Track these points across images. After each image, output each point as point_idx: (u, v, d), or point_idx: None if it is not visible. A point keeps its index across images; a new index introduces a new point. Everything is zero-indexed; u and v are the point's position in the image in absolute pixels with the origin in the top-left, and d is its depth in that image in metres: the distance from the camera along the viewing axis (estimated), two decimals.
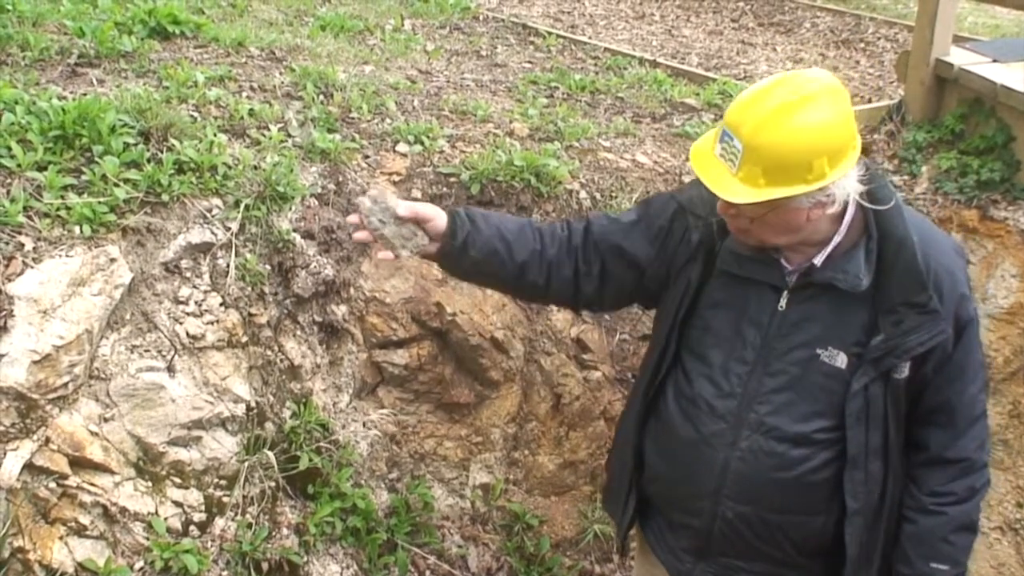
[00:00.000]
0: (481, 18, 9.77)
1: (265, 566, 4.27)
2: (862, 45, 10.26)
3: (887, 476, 3.52)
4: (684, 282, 3.66)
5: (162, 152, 4.56)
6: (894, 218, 3.33)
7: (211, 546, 4.18)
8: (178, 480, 4.16)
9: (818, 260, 3.36)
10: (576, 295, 3.84)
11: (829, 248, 3.35)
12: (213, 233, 4.45)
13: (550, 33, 9.30)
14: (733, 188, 3.15)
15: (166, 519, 4.06)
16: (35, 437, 3.73)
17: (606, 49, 8.97)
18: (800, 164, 3.10)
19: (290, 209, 4.79)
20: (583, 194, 5.61)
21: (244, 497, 4.34)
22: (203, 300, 4.32)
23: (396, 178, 5.24)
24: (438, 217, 3.55)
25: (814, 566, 3.70)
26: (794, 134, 3.07)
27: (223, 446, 4.28)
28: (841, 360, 3.41)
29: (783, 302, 3.48)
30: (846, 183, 3.18)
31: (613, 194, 5.67)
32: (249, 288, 4.50)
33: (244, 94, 5.63)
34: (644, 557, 4.21)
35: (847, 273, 3.33)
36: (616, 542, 5.31)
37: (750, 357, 3.55)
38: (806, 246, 3.37)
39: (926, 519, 3.51)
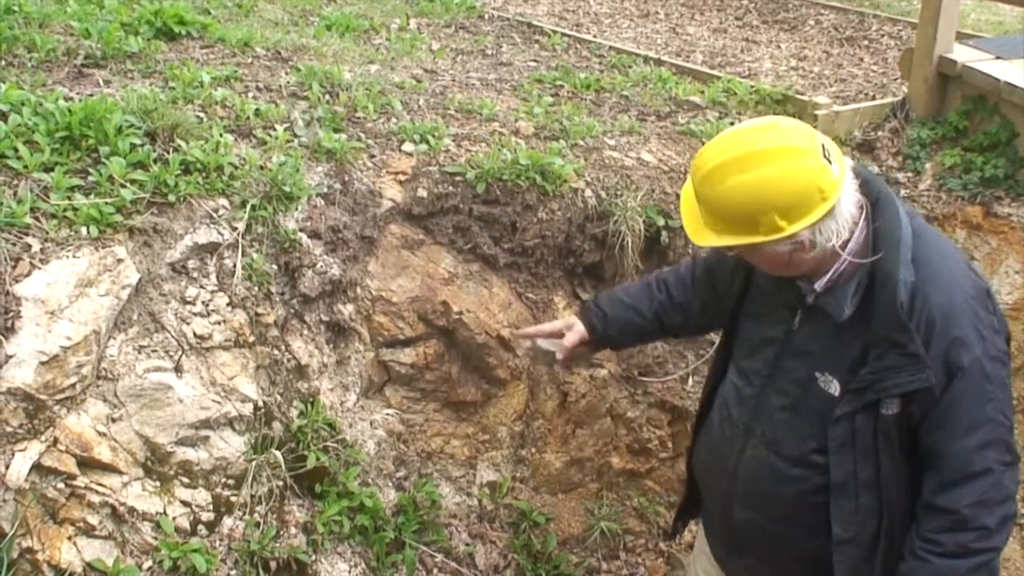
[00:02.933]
0: (486, 17, 9.78)
1: (273, 565, 4.28)
2: (866, 42, 10.26)
3: (882, 510, 3.51)
4: (734, 295, 3.86)
5: (168, 152, 4.57)
6: (888, 252, 3.30)
7: (219, 545, 4.19)
8: (186, 480, 4.17)
9: (819, 285, 3.39)
10: (707, 323, 4.37)
11: (828, 275, 3.37)
12: (220, 233, 4.46)
13: (555, 32, 9.31)
14: (700, 231, 3.35)
15: (174, 519, 4.07)
16: (43, 438, 3.73)
17: (611, 47, 8.97)
18: (744, 218, 3.19)
19: (296, 209, 4.80)
20: (588, 192, 5.62)
21: (252, 496, 4.35)
22: (210, 300, 4.33)
23: (402, 177, 5.25)
24: (576, 325, 4.26)
25: None
26: (732, 191, 3.17)
27: (231, 446, 4.29)
28: (835, 387, 3.45)
29: (796, 322, 3.55)
30: (828, 229, 3.21)
31: (618, 192, 5.67)
32: (256, 288, 4.51)
33: (250, 94, 5.63)
34: (700, 540, 4.42)
35: (837, 301, 3.37)
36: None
37: (765, 371, 3.67)
38: (820, 274, 3.40)
39: (912, 561, 3.45)
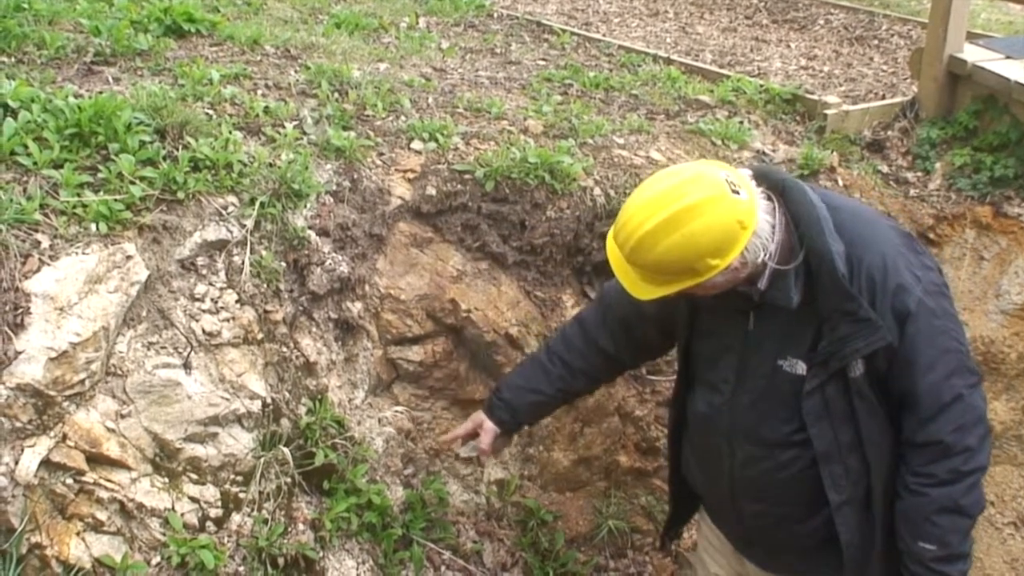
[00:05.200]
0: (495, 16, 9.77)
1: (281, 561, 4.29)
2: (876, 42, 10.25)
3: (869, 466, 3.70)
4: (682, 316, 4.02)
5: (178, 150, 4.58)
6: (812, 233, 3.49)
7: (227, 541, 4.20)
8: (194, 476, 4.17)
9: (761, 284, 3.55)
10: (624, 366, 4.64)
11: (765, 275, 3.53)
12: (229, 230, 4.47)
13: (564, 31, 9.29)
14: (638, 287, 3.53)
15: (183, 515, 4.08)
16: (52, 434, 3.74)
17: (620, 46, 8.96)
18: (681, 270, 3.39)
19: (305, 206, 4.80)
20: (597, 191, 5.61)
21: (260, 493, 4.35)
22: (219, 297, 4.34)
23: (411, 175, 5.25)
24: (486, 424, 4.53)
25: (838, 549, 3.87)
26: (664, 255, 3.34)
27: (239, 442, 4.29)
28: (801, 368, 3.64)
29: (751, 323, 3.73)
30: (754, 247, 3.41)
31: (627, 191, 5.66)
32: (264, 285, 4.51)
33: (259, 92, 5.64)
34: (707, 533, 4.59)
35: (781, 291, 3.53)
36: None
37: (731, 377, 3.86)
38: (757, 276, 3.57)
39: (910, 498, 3.64)
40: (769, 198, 3.52)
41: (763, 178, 3.59)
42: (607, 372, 4.60)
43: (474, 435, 4.61)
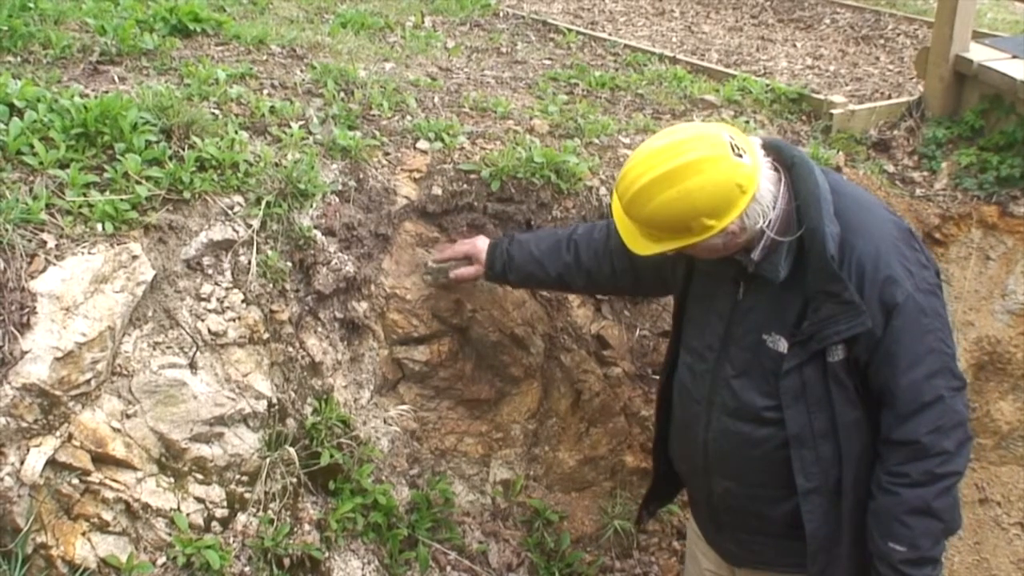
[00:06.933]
0: (501, 15, 9.76)
1: (287, 561, 4.29)
2: (882, 41, 10.24)
3: (841, 456, 3.73)
4: (679, 281, 4.15)
5: (184, 149, 4.57)
6: (809, 210, 3.53)
7: (233, 541, 4.20)
8: (200, 476, 4.18)
9: (755, 254, 3.62)
10: (617, 288, 4.82)
11: (761, 244, 3.60)
12: (235, 230, 4.46)
13: (570, 30, 9.28)
14: (637, 241, 3.66)
15: (188, 515, 4.09)
16: (58, 433, 3.75)
17: (626, 46, 8.95)
18: (676, 227, 3.47)
19: (311, 206, 4.79)
20: (603, 191, 5.60)
21: (266, 493, 4.36)
22: (225, 297, 4.33)
23: (417, 175, 5.24)
24: (478, 258, 4.85)
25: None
26: (659, 209, 3.43)
27: (245, 442, 4.30)
28: (783, 345, 3.70)
29: (740, 292, 3.80)
30: (753, 213, 3.47)
31: None
32: (270, 285, 4.51)
33: (265, 91, 5.63)
34: (693, 524, 4.66)
35: (772, 264, 3.59)
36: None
37: (716, 344, 3.92)
38: (754, 245, 3.64)
39: (883, 497, 3.66)
40: (776, 169, 3.57)
41: (774, 150, 3.65)
42: (608, 285, 4.71)
43: (463, 258, 4.92)
